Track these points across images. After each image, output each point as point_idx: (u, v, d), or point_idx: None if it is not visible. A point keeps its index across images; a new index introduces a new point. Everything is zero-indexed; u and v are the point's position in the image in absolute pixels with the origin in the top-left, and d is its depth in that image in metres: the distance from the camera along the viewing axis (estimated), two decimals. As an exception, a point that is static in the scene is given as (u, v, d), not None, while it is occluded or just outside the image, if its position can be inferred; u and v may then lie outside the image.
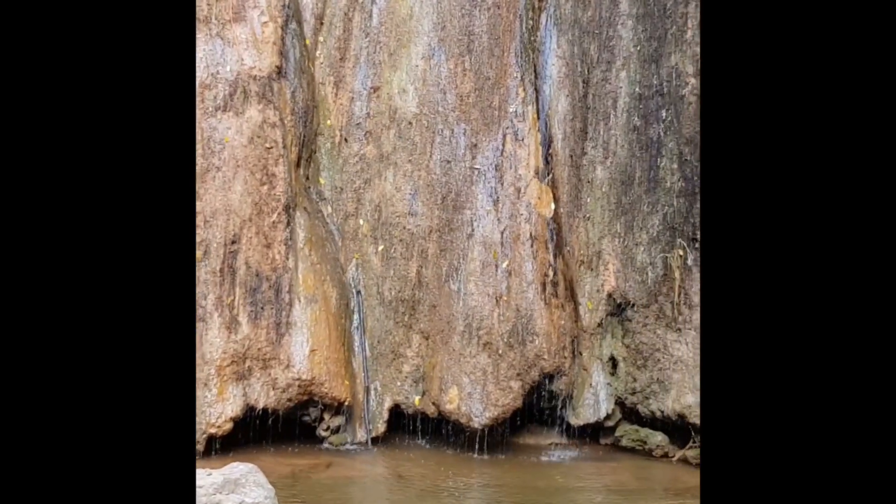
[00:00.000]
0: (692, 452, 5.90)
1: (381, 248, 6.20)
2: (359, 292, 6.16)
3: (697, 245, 5.89)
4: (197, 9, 5.97)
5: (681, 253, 5.94)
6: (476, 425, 5.85)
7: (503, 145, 6.23)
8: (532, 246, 6.08)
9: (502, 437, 6.05)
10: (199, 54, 5.92)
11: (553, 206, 6.23)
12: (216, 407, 5.51)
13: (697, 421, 5.79)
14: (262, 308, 5.70)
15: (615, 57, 6.26)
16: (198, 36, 5.95)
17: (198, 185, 5.69)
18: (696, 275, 5.87)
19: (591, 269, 6.16)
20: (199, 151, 5.75)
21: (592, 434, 6.23)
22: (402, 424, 6.15)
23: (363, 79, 6.45)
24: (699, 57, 6.01)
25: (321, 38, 6.55)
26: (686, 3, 6.12)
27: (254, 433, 5.74)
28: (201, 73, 5.91)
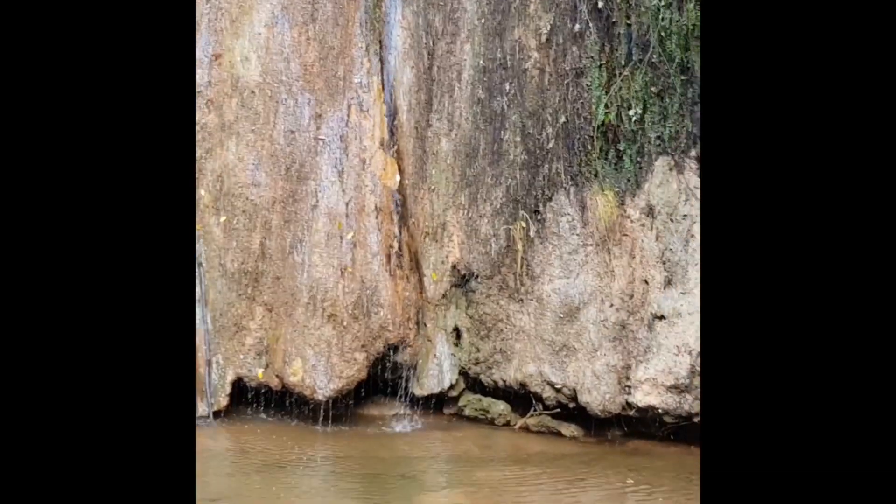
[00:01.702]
0: (533, 420, 6.04)
1: (223, 219, 6.08)
2: (200, 264, 6.03)
3: (539, 217, 6.00)
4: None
5: (523, 225, 6.03)
6: (320, 397, 5.84)
7: (348, 116, 6.19)
8: (377, 217, 6.08)
9: (346, 408, 6.05)
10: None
11: (398, 177, 6.23)
12: (49, 383, 5.32)
13: (539, 389, 5.93)
14: (97, 281, 5.51)
15: (459, 29, 6.28)
16: None
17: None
18: (539, 246, 5.98)
19: (436, 241, 6.20)
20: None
21: (436, 404, 6.29)
22: (245, 398, 6.07)
23: (204, 46, 6.28)
24: (542, 31, 6.09)
25: (160, 3, 6.34)
26: (529, -23, 6.18)
27: (90, 409, 5.56)
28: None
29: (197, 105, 6.21)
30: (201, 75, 6.22)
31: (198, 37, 6.28)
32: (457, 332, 6.22)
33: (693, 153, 5.73)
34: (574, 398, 5.84)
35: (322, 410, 5.88)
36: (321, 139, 6.16)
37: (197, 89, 6.22)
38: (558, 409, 5.95)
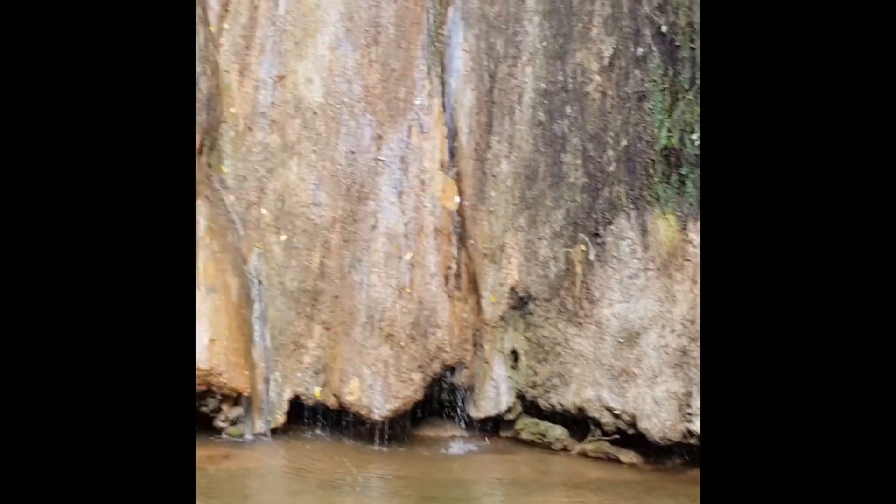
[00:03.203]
0: (591, 446, 5.96)
1: (283, 238, 6.12)
2: (260, 282, 6.07)
3: (599, 240, 5.96)
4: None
5: (583, 248, 5.99)
6: (377, 417, 5.81)
7: (409, 137, 6.22)
8: (436, 238, 6.08)
9: (402, 429, 6.03)
10: (98, 36, 5.77)
11: (457, 199, 6.23)
12: (110, 396, 5.37)
13: (597, 415, 5.86)
14: (159, 296, 5.57)
15: (521, 52, 6.29)
16: (98, 17, 5.80)
17: (95, 169, 5.54)
18: (598, 270, 5.93)
19: (495, 263, 6.18)
20: (96, 135, 5.60)
21: (493, 427, 6.24)
22: (302, 416, 6.07)
23: (268, 67, 6.36)
24: (604, 54, 6.08)
25: (226, 25, 6.44)
26: (592, 1, 6.18)
27: (149, 424, 5.60)
28: (100, 56, 5.76)
29: (260, 125, 6.28)
30: (265, 96, 6.30)
31: (262, 58, 6.36)
32: (514, 355, 6.17)
33: (757, 178, 5.65)
34: (633, 424, 5.77)
35: (378, 430, 5.87)
36: (381, 160, 6.19)
37: (260, 110, 6.30)
38: (617, 436, 5.87)
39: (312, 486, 5.17)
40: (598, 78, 6.10)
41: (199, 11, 6.25)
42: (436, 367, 5.94)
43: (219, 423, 5.81)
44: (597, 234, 5.98)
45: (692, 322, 5.68)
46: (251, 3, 6.43)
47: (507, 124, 6.27)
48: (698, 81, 5.80)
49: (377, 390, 5.83)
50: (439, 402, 6.14)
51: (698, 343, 5.64)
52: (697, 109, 5.79)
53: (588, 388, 5.89)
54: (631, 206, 5.91)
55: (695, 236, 5.74)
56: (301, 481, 5.26)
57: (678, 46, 5.86)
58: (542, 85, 6.22)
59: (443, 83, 6.38)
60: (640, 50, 5.97)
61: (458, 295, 6.07)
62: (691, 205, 5.77)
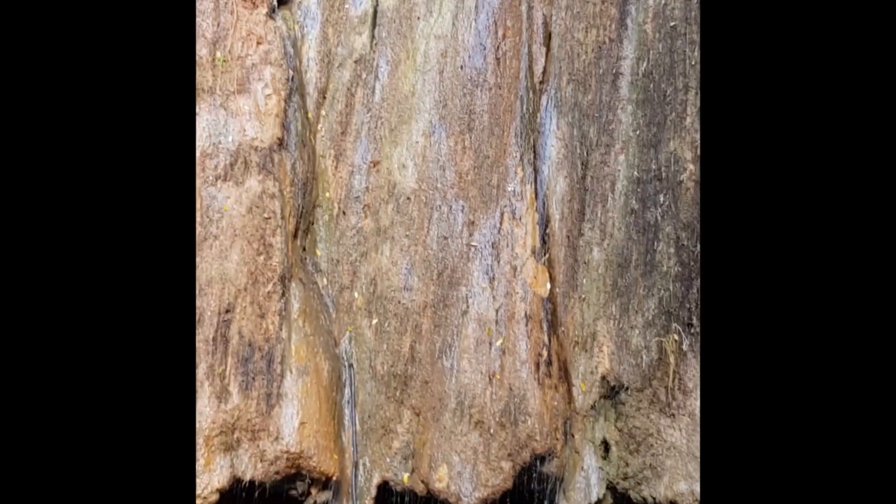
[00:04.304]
0: (683, 541, 5.82)
1: (374, 321, 6.16)
2: (351, 365, 6.11)
3: (693, 330, 5.87)
4: (202, 79, 6.03)
5: (676, 338, 5.91)
6: (465, 505, 5.77)
7: (500, 223, 6.25)
8: (527, 325, 6.06)
9: (491, 518, 5.96)
10: (202, 124, 5.96)
11: (549, 285, 6.22)
12: (203, 477, 5.43)
13: (689, 509, 5.74)
14: (253, 378, 5.64)
15: (614, 140, 6.31)
16: (201, 106, 6.00)
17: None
18: (691, 360, 5.84)
19: (586, 351, 6.13)
20: (197, 219, 5.76)
21: (582, 518, 6.14)
22: (390, 501, 6.04)
23: (363, 153, 6.48)
24: (698, 143, 6.06)
25: (323, 112, 6.60)
26: (686, 90, 6.19)
27: (239, 506, 5.65)
28: (203, 143, 5.94)
29: (354, 210, 6.38)
30: (359, 181, 6.41)
31: (357, 144, 6.49)
32: (605, 445, 6.08)
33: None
34: (727, 520, 5.61)
35: (466, 519, 5.81)
36: (473, 246, 6.22)
37: (355, 194, 6.40)
38: (710, 531, 5.72)
39: (400, 574, 5.12)
40: (691, 166, 6.07)
41: (296, 99, 6.42)
42: (525, 455, 5.88)
43: (307, 506, 5.83)
44: (690, 324, 5.89)
45: (789, 416, 5.54)
46: (348, 90, 6.58)
47: (600, 212, 6.26)
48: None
49: (466, 478, 5.78)
50: (528, 491, 6.05)
51: (796, 438, 5.50)
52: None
53: (681, 482, 5.76)
54: (725, 295, 5.82)
55: (792, 328, 5.63)
56: (388, 569, 5.22)
57: (774, 136, 5.81)
58: (635, 173, 6.21)
59: (535, 170, 6.41)
60: (735, 139, 5.93)
61: (548, 383, 6.02)
62: (788, 296, 5.67)
